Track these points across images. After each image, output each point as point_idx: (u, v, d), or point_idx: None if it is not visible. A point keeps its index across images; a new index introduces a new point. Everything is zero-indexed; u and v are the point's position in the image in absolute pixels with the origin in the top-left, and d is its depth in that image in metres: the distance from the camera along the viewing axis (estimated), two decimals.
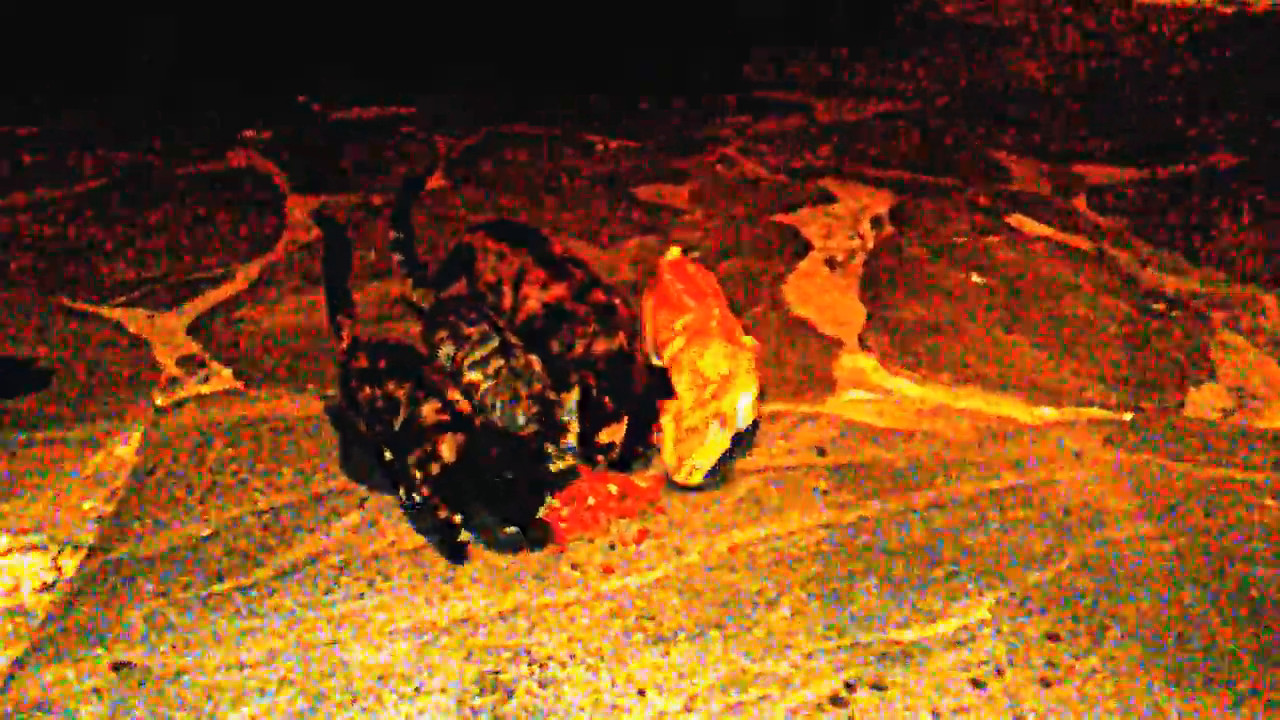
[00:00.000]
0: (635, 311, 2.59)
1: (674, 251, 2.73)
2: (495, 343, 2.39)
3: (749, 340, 2.45)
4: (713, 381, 2.32)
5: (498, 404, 2.34)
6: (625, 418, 2.29)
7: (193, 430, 2.51)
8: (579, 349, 2.41)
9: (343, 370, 2.37)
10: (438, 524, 2.17)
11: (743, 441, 2.41)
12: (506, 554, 2.13)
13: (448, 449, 2.12)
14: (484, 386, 2.36)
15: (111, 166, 3.91)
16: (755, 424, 2.45)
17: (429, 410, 2.17)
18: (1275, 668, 1.92)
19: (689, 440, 2.28)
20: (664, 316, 2.53)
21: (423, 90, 4.63)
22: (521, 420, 2.32)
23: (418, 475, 2.17)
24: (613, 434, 2.30)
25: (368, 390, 2.26)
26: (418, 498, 2.21)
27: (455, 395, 2.22)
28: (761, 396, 2.43)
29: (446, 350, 2.43)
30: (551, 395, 2.35)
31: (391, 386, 2.23)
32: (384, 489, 2.28)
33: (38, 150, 4.05)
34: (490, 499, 2.13)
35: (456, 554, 2.13)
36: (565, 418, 2.34)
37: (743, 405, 2.33)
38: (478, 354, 2.38)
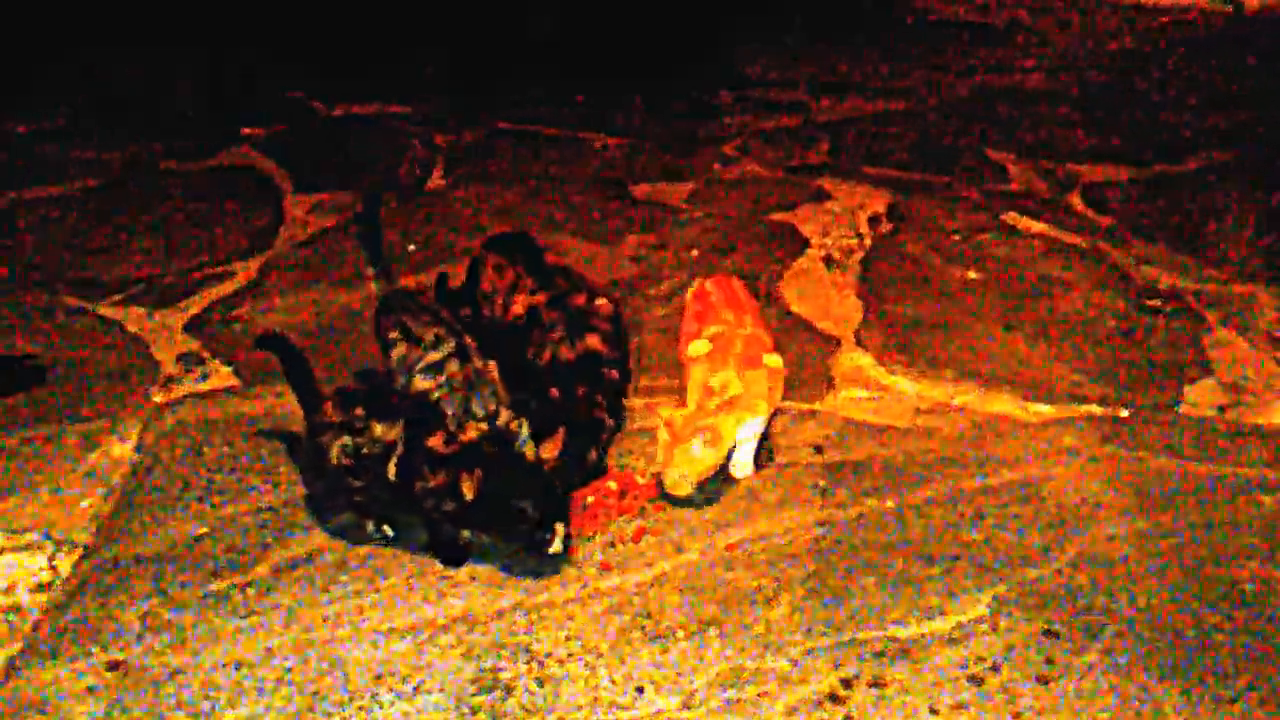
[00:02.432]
0: (621, 314, 2.57)
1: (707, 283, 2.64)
2: (451, 345, 2.30)
3: (774, 361, 2.38)
4: (717, 397, 2.27)
5: (449, 413, 2.24)
6: (561, 430, 2.24)
7: (190, 428, 2.51)
8: (546, 355, 2.41)
9: (310, 430, 2.19)
10: (437, 535, 2.15)
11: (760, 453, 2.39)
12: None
13: (468, 488, 2.03)
14: (436, 394, 2.27)
15: (110, 164, 3.90)
16: (764, 442, 2.41)
17: (436, 442, 2.09)
18: (1271, 663, 1.92)
19: (678, 450, 2.23)
20: (692, 325, 2.51)
21: (421, 88, 4.63)
22: (472, 435, 2.19)
23: (432, 512, 2.09)
24: (552, 448, 2.27)
25: (345, 440, 2.11)
26: (390, 532, 2.17)
27: (453, 425, 2.15)
28: (773, 416, 2.40)
29: (399, 351, 2.34)
30: (505, 416, 2.24)
31: (380, 430, 2.10)
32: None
33: (35, 147, 4.05)
34: (512, 529, 2.08)
35: (455, 558, 2.12)
36: (519, 447, 2.25)
37: (745, 431, 2.28)
38: (433, 357, 2.29)
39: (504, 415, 2.25)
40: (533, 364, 2.42)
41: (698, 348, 2.39)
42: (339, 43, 5.17)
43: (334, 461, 2.12)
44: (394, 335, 2.36)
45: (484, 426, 2.18)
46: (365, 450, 2.11)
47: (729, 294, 2.53)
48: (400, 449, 2.09)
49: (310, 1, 5.43)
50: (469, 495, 2.03)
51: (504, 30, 5.33)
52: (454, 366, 2.27)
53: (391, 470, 2.09)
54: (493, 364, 2.31)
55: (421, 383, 2.28)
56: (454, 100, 4.54)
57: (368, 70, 4.87)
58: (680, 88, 4.70)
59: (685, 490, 2.25)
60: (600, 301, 2.50)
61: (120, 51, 4.92)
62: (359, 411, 2.13)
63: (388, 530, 2.18)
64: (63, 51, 4.92)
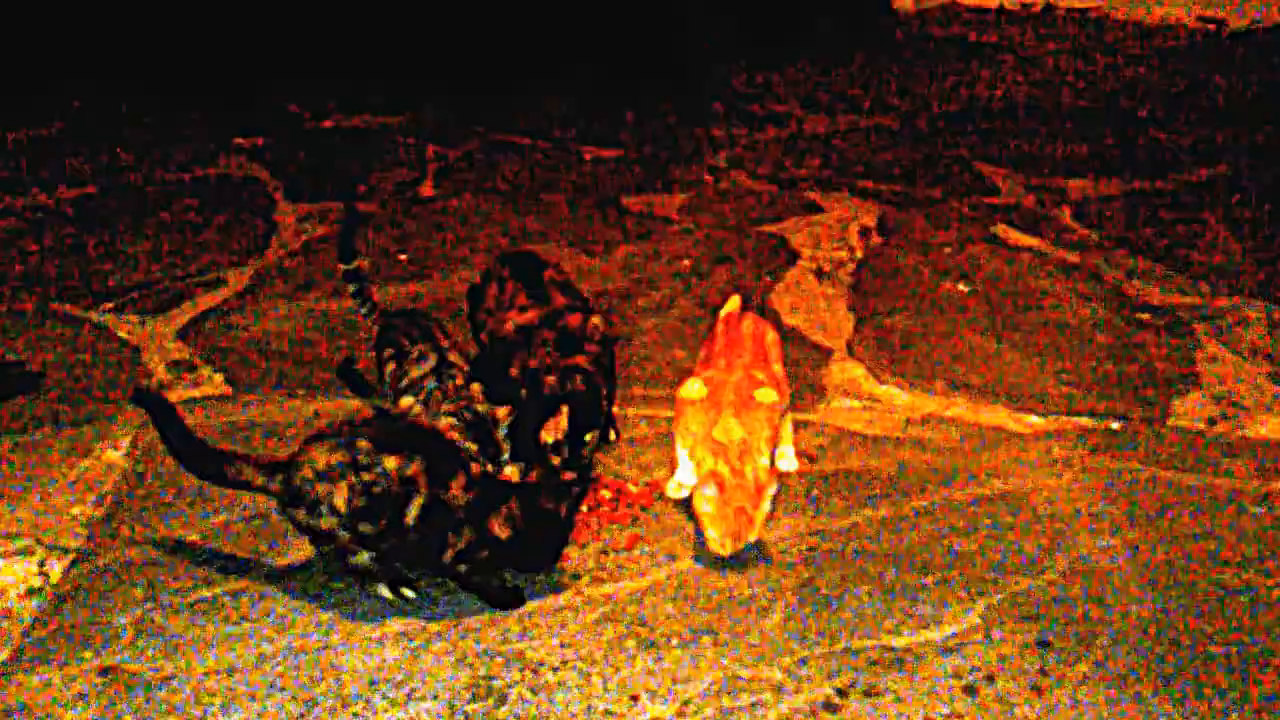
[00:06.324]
0: (615, 331, 2.56)
1: (733, 302, 2.58)
2: (431, 363, 2.29)
3: (765, 396, 2.28)
4: (733, 446, 2.18)
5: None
6: (563, 411, 2.23)
7: None
8: (533, 370, 2.41)
9: (296, 487, 1.98)
10: (486, 591, 2.05)
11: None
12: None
13: (500, 528, 1.99)
14: (415, 410, 2.26)
15: (103, 172, 3.90)
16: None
17: (457, 490, 1.97)
18: (1263, 674, 1.93)
19: (739, 519, 2.11)
20: (702, 354, 2.46)
21: (413, 99, 4.63)
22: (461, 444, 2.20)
23: (468, 571, 2.01)
24: (554, 430, 2.24)
25: (353, 480, 1.93)
26: (411, 594, 2.04)
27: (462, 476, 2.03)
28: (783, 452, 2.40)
29: (390, 368, 2.35)
30: (487, 413, 2.25)
31: (393, 464, 1.94)
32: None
33: (30, 155, 4.04)
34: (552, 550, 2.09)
35: (514, 601, 2.05)
36: (501, 435, 2.27)
37: (759, 468, 2.18)
38: (414, 373, 2.30)
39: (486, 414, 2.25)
40: (519, 381, 2.42)
41: (689, 391, 2.30)
42: (330, 53, 5.17)
43: (343, 510, 1.94)
44: (388, 353, 2.39)
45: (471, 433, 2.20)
46: (377, 489, 1.94)
47: (733, 335, 2.44)
48: (424, 492, 1.96)
49: (302, 11, 5.43)
50: (503, 534, 2.00)
51: (494, 39, 5.33)
52: (432, 384, 2.29)
53: (413, 516, 1.96)
54: (476, 386, 2.30)
55: (404, 400, 2.30)
56: (453, 102, 4.55)
57: (359, 81, 4.87)
58: (671, 100, 4.71)
59: (729, 549, 2.14)
60: (594, 320, 2.50)
61: (115, 56, 4.90)
62: (363, 444, 1.94)
63: (408, 593, 2.04)
64: (55, 56, 4.90)
